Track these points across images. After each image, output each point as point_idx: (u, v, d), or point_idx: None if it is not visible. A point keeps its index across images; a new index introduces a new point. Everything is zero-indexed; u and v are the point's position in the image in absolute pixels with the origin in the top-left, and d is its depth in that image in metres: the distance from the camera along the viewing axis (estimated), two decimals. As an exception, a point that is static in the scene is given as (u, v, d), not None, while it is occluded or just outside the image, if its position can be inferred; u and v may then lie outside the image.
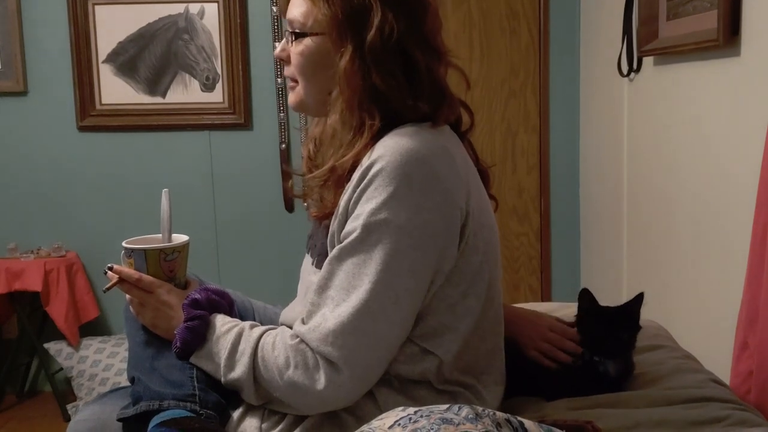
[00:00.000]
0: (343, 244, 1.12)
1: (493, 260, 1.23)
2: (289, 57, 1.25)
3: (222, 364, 1.18)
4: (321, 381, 1.11)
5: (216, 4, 3.31)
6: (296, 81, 1.26)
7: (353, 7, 1.14)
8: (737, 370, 1.60)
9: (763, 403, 1.47)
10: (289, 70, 1.26)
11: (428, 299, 1.16)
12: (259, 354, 1.16)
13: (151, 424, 1.15)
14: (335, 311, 1.11)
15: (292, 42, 1.23)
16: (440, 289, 1.16)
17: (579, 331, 1.38)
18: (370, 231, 1.09)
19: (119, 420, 1.21)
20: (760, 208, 1.51)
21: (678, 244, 2.28)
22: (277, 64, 3.32)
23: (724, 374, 1.56)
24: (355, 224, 1.11)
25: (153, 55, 3.35)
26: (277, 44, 1.29)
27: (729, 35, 1.83)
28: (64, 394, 3.30)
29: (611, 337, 1.33)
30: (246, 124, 3.39)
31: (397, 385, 1.18)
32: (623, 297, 1.37)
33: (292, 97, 1.28)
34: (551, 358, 1.36)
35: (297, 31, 1.21)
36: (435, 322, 1.17)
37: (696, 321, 2.13)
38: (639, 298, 1.35)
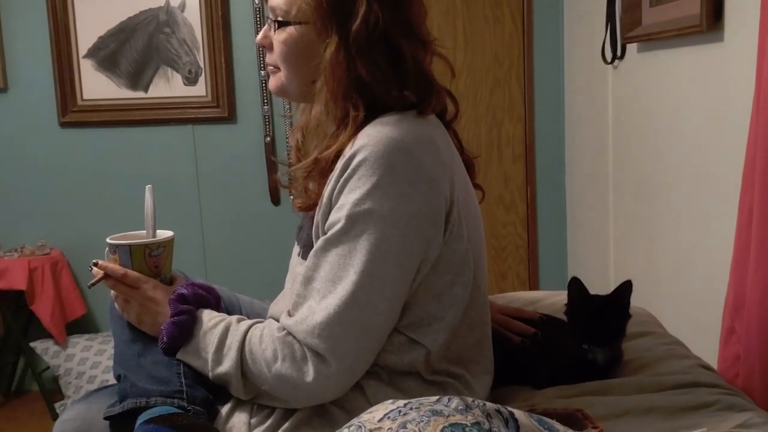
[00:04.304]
0: (327, 235, 1.11)
1: (478, 249, 1.22)
2: (271, 44, 1.23)
3: (209, 359, 1.17)
4: (309, 373, 1.10)
5: (197, -3, 3.28)
6: (278, 68, 1.24)
7: None
8: (724, 354, 1.61)
9: (750, 388, 1.47)
10: (271, 58, 1.25)
11: (414, 289, 1.15)
12: (247, 347, 1.15)
13: (139, 421, 1.14)
14: (322, 303, 1.10)
15: (274, 29, 1.21)
16: (426, 279, 1.15)
17: (569, 319, 1.38)
18: (355, 221, 1.08)
19: (106, 418, 1.20)
20: (745, 193, 1.51)
21: (664, 230, 2.28)
22: (260, 56, 3.30)
23: (712, 359, 1.56)
24: (339, 215, 1.10)
25: (134, 50, 3.32)
26: (259, 36, 1.27)
27: (712, 21, 1.84)
28: (52, 392, 3.28)
29: (601, 325, 1.33)
30: (230, 118, 3.37)
31: (386, 377, 1.18)
32: (611, 284, 1.37)
33: (273, 82, 1.27)
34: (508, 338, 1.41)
35: (280, 19, 1.20)
36: (421, 311, 1.16)
37: (683, 306, 2.14)
38: (627, 286, 1.35)
